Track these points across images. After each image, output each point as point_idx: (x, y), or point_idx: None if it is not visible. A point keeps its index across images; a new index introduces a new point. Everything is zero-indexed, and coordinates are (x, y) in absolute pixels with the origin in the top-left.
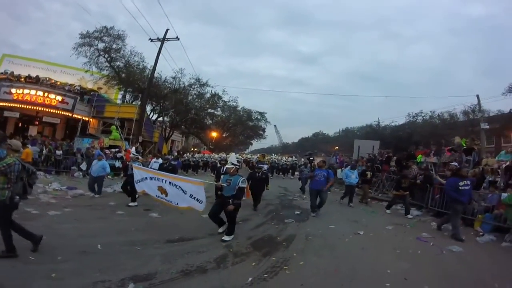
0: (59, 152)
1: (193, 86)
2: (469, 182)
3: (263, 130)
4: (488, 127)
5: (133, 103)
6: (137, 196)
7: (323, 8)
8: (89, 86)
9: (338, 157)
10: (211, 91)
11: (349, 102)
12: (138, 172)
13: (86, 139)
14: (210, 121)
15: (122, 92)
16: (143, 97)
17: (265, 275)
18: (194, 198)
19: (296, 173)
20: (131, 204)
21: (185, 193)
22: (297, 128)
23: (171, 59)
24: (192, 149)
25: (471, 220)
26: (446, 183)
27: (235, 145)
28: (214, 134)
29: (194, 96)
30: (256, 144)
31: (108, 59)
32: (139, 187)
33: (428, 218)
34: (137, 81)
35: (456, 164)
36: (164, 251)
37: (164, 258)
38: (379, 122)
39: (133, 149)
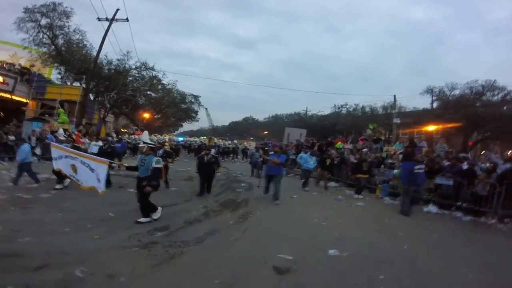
0: (11, 138)
1: (137, 69)
2: (422, 166)
3: (196, 113)
4: (399, 121)
5: (73, 84)
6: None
7: None
8: (22, 63)
9: (270, 142)
10: (152, 74)
11: (280, 90)
12: (55, 150)
13: (36, 122)
14: (144, 101)
15: (60, 71)
16: (87, 78)
17: (240, 220)
18: (97, 178)
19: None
20: (57, 186)
21: (93, 172)
22: (228, 112)
23: (114, 39)
24: (122, 130)
25: (374, 188)
26: (402, 166)
27: (166, 127)
28: (146, 115)
29: (136, 77)
30: (186, 126)
31: (51, 36)
32: (55, 165)
33: (343, 188)
34: (78, 60)
35: (367, 150)
36: (162, 213)
37: (166, 216)
38: (306, 111)
39: (60, 131)
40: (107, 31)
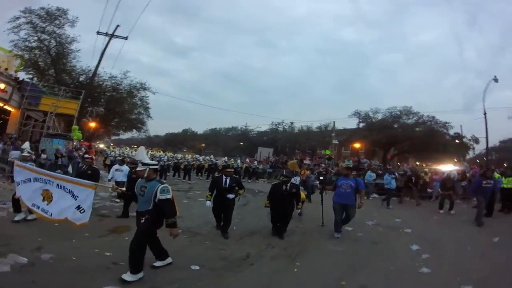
0: (44, 156)
1: (133, 90)
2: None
3: (143, 123)
4: (337, 142)
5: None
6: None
7: (211, 4)
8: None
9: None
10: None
11: (213, 100)
12: (20, 171)
13: (56, 139)
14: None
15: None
16: (86, 92)
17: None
18: (78, 206)
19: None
20: (16, 218)
21: (75, 199)
22: (163, 121)
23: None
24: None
25: None
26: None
27: (102, 136)
28: (92, 124)
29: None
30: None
31: (47, 42)
32: (18, 191)
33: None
34: (71, 72)
35: (324, 165)
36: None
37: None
38: (246, 126)
39: (25, 145)
40: (106, 46)
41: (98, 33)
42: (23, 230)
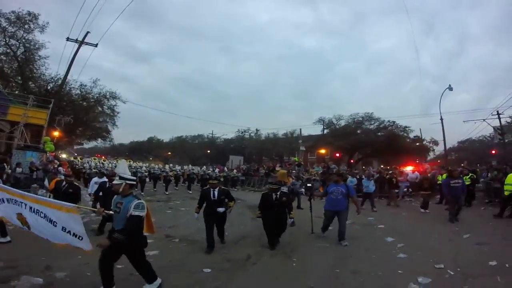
0: (19, 170)
1: (102, 99)
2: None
3: (108, 132)
4: (305, 149)
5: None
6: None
7: (174, 11)
8: None
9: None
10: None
11: (176, 107)
12: None
13: (29, 152)
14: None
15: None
16: (56, 101)
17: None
18: (70, 232)
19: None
20: (1, 240)
21: (55, 225)
22: (126, 129)
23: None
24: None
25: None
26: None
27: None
28: (56, 133)
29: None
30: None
31: (16, 48)
32: None
33: None
34: (40, 80)
35: (294, 171)
36: None
37: None
38: (213, 133)
39: None
40: (75, 53)
41: (67, 39)
42: (22, 251)
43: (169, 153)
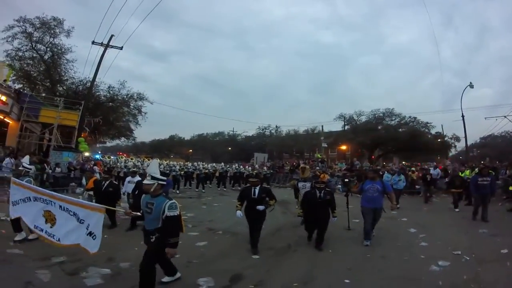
0: (58, 169)
1: (130, 100)
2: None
3: (131, 131)
4: (326, 145)
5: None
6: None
7: (190, 9)
8: None
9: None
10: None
11: (195, 105)
12: (18, 189)
13: (66, 152)
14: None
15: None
16: (85, 103)
17: None
18: (90, 232)
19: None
20: (17, 238)
21: (82, 223)
22: (146, 128)
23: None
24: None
25: None
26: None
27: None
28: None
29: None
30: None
31: (43, 52)
32: (14, 211)
33: None
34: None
35: (318, 168)
36: None
37: None
38: (233, 131)
39: (25, 159)
40: (102, 56)
41: (93, 43)
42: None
43: (190, 150)
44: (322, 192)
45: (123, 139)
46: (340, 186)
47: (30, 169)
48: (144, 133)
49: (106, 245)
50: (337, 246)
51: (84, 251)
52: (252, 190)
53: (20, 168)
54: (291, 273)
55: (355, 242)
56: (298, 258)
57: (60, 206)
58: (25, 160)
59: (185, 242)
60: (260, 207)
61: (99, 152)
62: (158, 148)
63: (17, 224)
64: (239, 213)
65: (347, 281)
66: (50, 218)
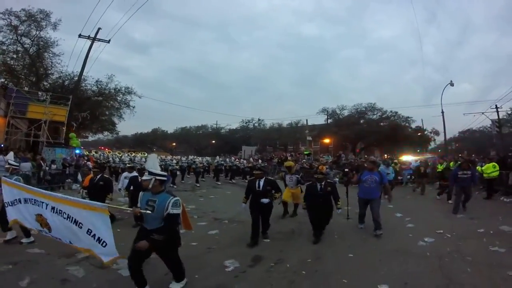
0: (54, 166)
1: (118, 94)
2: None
3: (114, 124)
4: (311, 139)
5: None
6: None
7: (171, 0)
8: None
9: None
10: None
11: (176, 97)
12: (9, 190)
13: (59, 149)
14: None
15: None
16: (73, 97)
17: None
18: (94, 236)
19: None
20: (24, 240)
21: (80, 227)
22: (127, 121)
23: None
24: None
25: None
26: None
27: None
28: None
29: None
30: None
31: (28, 46)
32: (9, 214)
33: None
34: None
35: (305, 160)
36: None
37: None
38: (217, 124)
39: (10, 155)
40: (89, 50)
41: (80, 36)
42: None
43: (173, 144)
44: (323, 184)
45: (106, 133)
46: (337, 179)
47: (18, 165)
48: (126, 126)
49: (125, 237)
50: (337, 230)
51: (98, 259)
52: (257, 182)
53: (7, 166)
54: (303, 251)
55: (352, 228)
56: (304, 240)
57: (53, 208)
58: (10, 157)
59: (197, 231)
60: (265, 200)
61: (81, 148)
62: (141, 142)
63: (23, 226)
64: (243, 205)
65: (351, 255)
66: (43, 223)
